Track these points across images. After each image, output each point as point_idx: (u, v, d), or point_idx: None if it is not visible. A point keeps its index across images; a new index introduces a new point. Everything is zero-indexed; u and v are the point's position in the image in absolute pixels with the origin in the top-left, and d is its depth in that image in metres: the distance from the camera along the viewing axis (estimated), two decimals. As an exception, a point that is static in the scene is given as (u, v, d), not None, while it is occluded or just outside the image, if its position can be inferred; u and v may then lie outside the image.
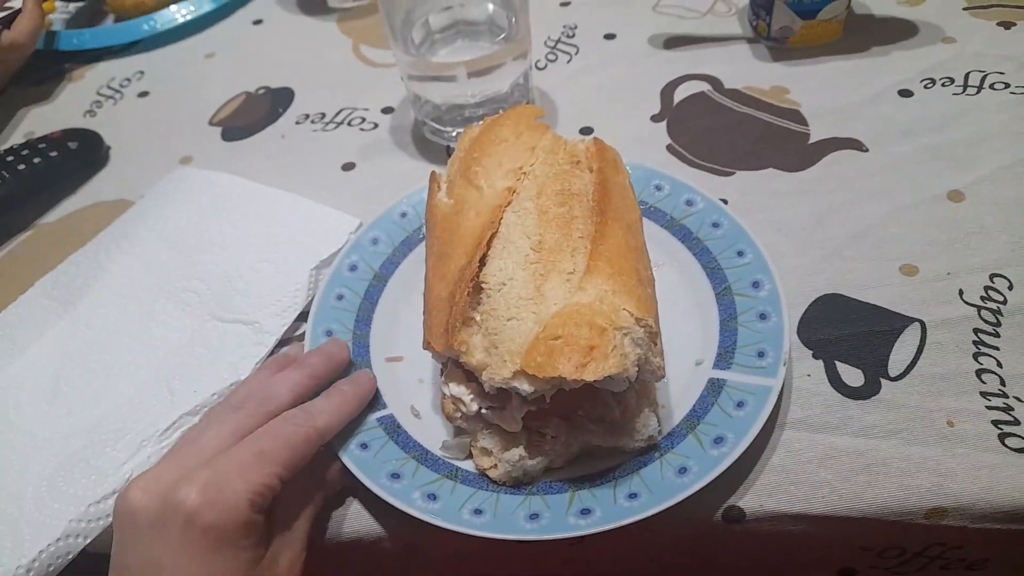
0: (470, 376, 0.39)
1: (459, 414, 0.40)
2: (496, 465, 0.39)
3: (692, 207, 0.49)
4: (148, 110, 0.68)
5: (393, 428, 0.42)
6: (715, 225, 0.47)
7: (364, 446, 0.41)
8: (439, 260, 0.42)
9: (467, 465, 0.41)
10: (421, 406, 0.44)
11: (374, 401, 0.43)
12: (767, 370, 0.40)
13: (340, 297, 0.48)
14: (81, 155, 0.63)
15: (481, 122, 0.48)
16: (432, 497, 0.39)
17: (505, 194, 0.43)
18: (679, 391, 0.42)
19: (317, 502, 0.39)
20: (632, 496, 0.37)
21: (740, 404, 0.39)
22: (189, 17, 0.75)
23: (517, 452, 0.39)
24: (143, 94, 0.70)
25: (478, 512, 0.38)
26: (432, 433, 0.42)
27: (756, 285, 0.44)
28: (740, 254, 0.46)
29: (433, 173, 0.47)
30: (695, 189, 0.49)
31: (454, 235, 0.42)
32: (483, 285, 0.39)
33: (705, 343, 0.43)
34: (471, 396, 0.39)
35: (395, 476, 0.40)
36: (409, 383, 0.45)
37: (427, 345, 0.40)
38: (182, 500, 0.33)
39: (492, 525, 0.37)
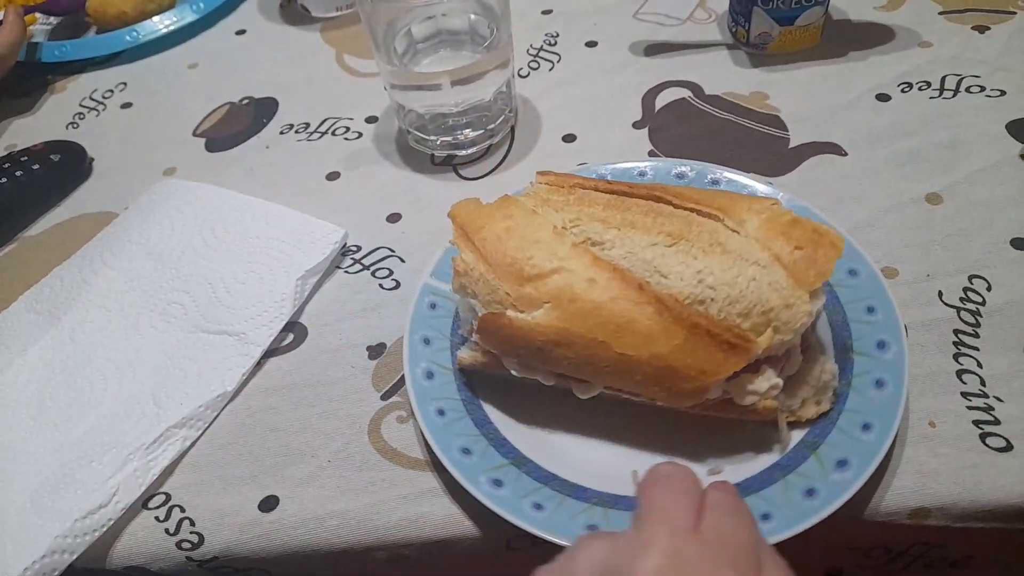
0: None
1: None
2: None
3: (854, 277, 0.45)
4: (131, 121, 0.68)
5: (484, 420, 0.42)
6: (852, 273, 0.45)
7: (441, 412, 0.42)
8: (618, 362, 0.37)
9: (537, 456, 0.40)
10: None
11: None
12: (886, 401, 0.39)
13: (433, 306, 0.46)
14: (64, 167, 0.62)
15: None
16: (497, 483, 0.39)
17: (581, 251, 0.39)
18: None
19: None
20: None
21: (866, 427, 0.38)
22: (172, 28, 0.75)
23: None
24: (126, 105, 0.70)
25: (538, 507, 0.38)
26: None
27: (882, 346, 0.41)
28: (871, 311, 0.43)
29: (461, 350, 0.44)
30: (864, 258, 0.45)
31: (604, 322, 0.37)
32: (684, 299, 0.37)
33: None
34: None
35: (466, 451, 0.40)
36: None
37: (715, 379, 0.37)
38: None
39: (548, 523, 0.37)
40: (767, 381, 0.38)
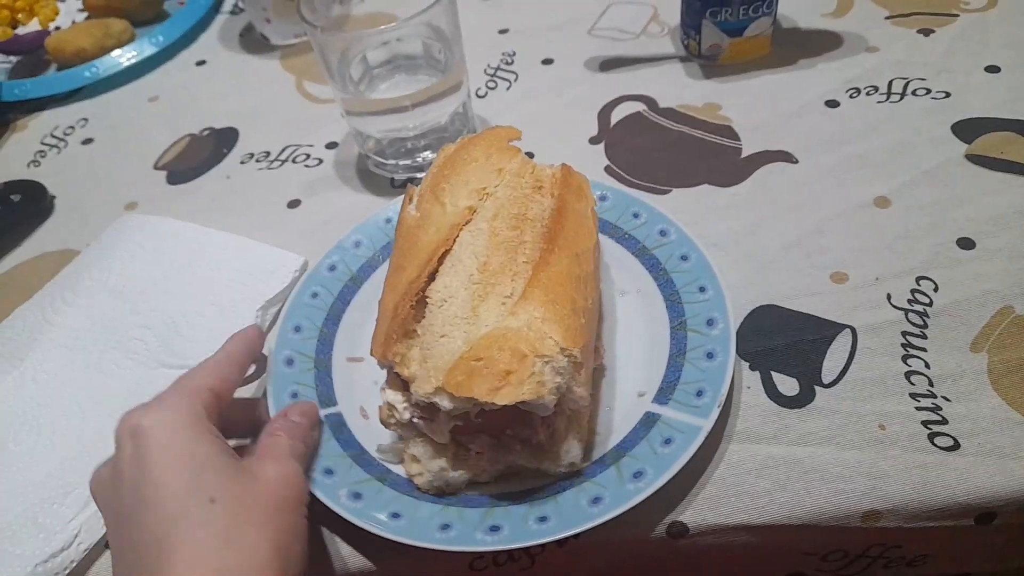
0: (406, 385, 0.39)
1: (393, 420, 0.41)
2: (422, 473, 0.40)
3: (665, 237, 0.49)
4: (93, 157, 0.68)
5: (338, 426, 0.44)
6: (684, 258, 0.47)
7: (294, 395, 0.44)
8: (395, 271, 0.43)
9: (399, 470, 0.42)
10: (371, 408, 0.44)
11: (326, 399, 0.45)
12: (701, 410, 0.40)
13: (315, 295, 0.50)
14: (24, 207, 0.62)
15: (458, 140, 0.49)
16: (356, 496, 0.40)
17: (465, 213, 0.44)
18: (619, 421, 0.42)
19: (302, 437, 0.40)
20: (542, 519, 0.38)
21: (668, 441, 0.40)
22: (132, 61, 0.75)
23: (439, 463, 0.40)
24: (87, 141, 0.70)
25: (395, 516, 0.39)
26: (376, 435, 0.43)
27: (711, 323, 0.44)
28: (702, 289, 0.46)
29: (408, 185, 0.48)
30: (671, 220, 0.49)
31: (412, 248, 0.43)
32: (427, 300, 0.41)
33: (651, 376, 0.43)
34: (404, 404, 0.40)
35: (328, 472, 0.41)
36: (365, 385, 0.46)
37: (372, 351, 0.41)
38: (124, 423, 0.36)
39: (404, 530, 0.38)
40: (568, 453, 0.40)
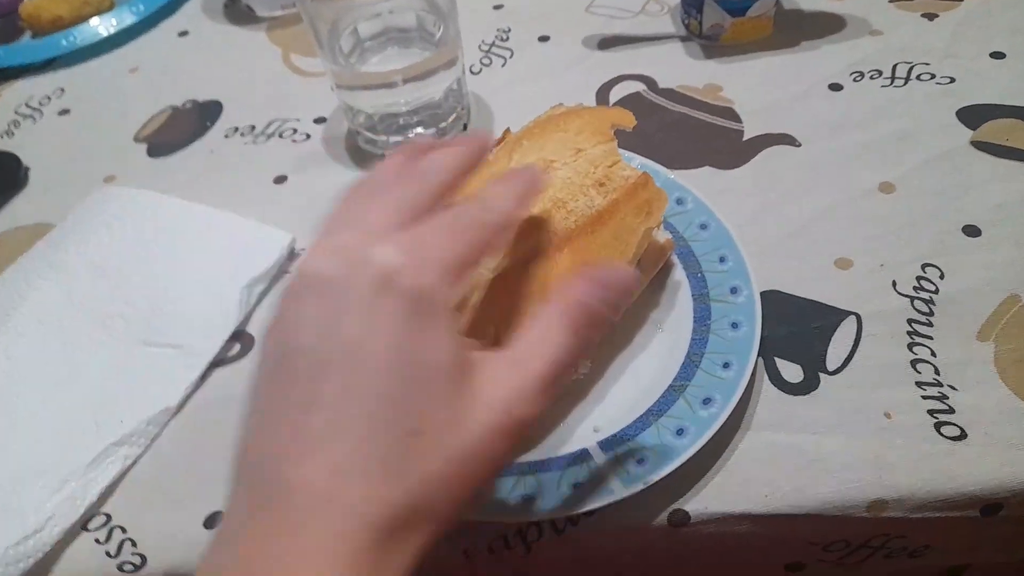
0: None
1: None
2: None
3: (682, 206, 0.48)
4: (69, 128, 0.66)
5: None
6: (703, 227, 0.47)
7: None
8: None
9: None
10: None
11: None
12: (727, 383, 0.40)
13: None
14: (-2, 178, 0.60)
15: (574, 105, 0.46)
16: None
17: None
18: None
19: (557, 341, 0.29)
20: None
21: (707, 401, 0.40)
22: (111, 31, 0.72)
23: None
24: (64, 112, 0.67)
25: None
26: None
27: (735, 291, 0.44)
28: (722, 260, 0.45)
29: (507, 129, 0.46)
30: (687, 188, 0.49)
31: (462, 189, 0.40)
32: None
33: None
34: None
35: None
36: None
37: None
38: (379, 260, 0.27)
39: None
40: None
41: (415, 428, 0.26)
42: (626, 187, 0.41)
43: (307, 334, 0.27)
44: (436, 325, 0.28)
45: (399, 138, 0.57)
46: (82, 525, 0.41)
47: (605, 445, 0.39)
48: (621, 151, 0.44)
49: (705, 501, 0.39)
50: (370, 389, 0.26)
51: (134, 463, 0.43)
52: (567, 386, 0.41)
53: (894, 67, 0.59)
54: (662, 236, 0.45)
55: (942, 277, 0.46)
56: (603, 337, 0.33)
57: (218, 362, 0.47)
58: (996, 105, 0.55)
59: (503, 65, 0.65)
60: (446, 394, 0.27)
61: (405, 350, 0.27)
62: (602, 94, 0.61)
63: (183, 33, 0.74)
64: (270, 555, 0.25)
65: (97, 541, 0.41)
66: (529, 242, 0.38)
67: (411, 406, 0.26)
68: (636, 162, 0.50)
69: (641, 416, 0.40)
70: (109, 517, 0.41)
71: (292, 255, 0.52)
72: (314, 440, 0.26)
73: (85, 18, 0.72)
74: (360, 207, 0.31)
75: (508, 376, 0.28)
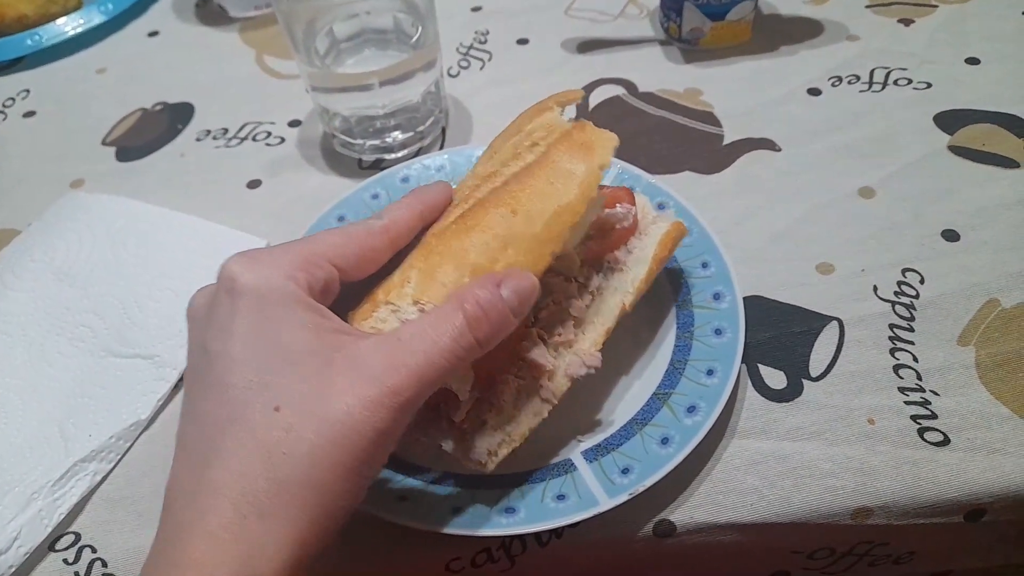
0: None
1: None
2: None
3: (664, 211, 0.47)
4: (35, 131, 0.64)
5: None
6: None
7: None
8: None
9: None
10: None
11: None
12: (711, 390, 0.40)
13: None
14: (-41, 182, 0.58)
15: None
16: None
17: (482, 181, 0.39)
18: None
19: (449, 332, 0.31)
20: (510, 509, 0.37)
21: (691, 409, 0.39)
22: (79, 30, 0.70)
23: None
24: (29, 114, 0.65)
25: (402, 499, 0.37)
26: None
27: (718, 297, 0.43)
28: (704, 265, 0.45)
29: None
30: (668, 192, 0.48)
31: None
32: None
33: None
34: None
35: None
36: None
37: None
38: (225, 271, 0.32)
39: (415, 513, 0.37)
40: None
41: (277, 404, 0.28)
42: (563, 135, 0.38)
43: (198, 333, 0.32)
44: (288, 311, 0.31)
45: (376, 141, 0.56)
46: (49, 545, 0.40)
47: (589, 455, 0.38)
48: None
49: (690, 511, 0.38)
50: (234, 379, 0.29)
51: (104, 479, 0.42)
52: (575, 385, 0.39)
53: (872, 72, 0.59)
54: (670, 219, 0.43)
55: (922, 282, 0.46)
56: (507, 336, 0.33)
57: (191, 373, 0.46)
58: (972, 110, 0.55)
59: (481, 68, 0.64)
60: (308, 371, 0.29)
61: (259, 339, 0.30)
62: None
63: (153, 33, 0.72)
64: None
65: (65, 561, 0.39)
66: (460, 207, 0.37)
67: (273, 387, 0.29)
68: (616, 167, 0.50)
69: (625, 425, 0.39)
70: (78, 536, 0.40)
71: (267, 262, 0.51)
72: (186, 440, 0.30)
73: (52, 17, 0.70)
74: None
75: (386, 352, 0.30)
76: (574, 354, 0.38)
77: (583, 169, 0.37)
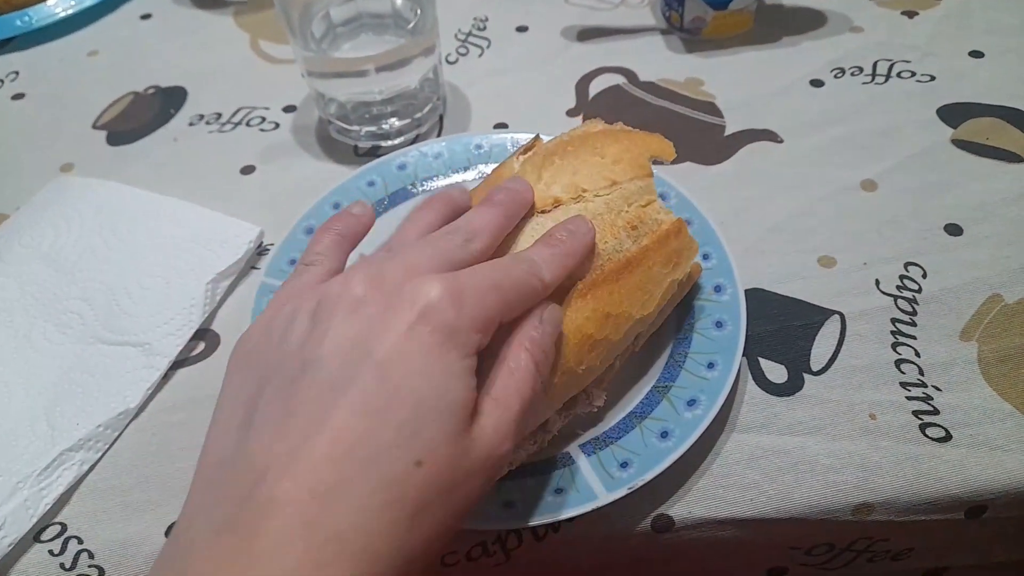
0: None
1: None
2: None
3: (665, 201, 0.46)
4: (24, 114, 0.62)
5: None
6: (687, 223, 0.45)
7: None
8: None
9: None
10: None
11: None
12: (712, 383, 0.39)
13: (293, 261, 0.46)
14: (-55, 165, 0.57)
15: (614, 125, 0.42)
16: None
17: (548, 201, 0.38)
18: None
19: (529, 381, 0.31)
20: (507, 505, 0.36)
21: (692, 402, 0.39)
22: (70, 12, 0.69)
23: None
24: (18, 96, 0.64)
25: None
26: None
27: (719, 289, 0.42)
28: (705, 257, 0.44)
29: (538, 136, 0.43)
30: (669, 183, 0.47)
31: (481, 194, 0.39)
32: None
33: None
34: None
35: None
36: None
37: None
38: (422, 291, 0.28)
39: None
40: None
41: (419, 459, 0.26)
42: (658, 234, 0.38)
43: (333, 349, 0.27)
44: (463, 363, 0.28)
45: (372, 128, 0.56)
46: (35, 536, 0.39)
47: (587, 448, 0.38)
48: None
49: (689, 506, 0.38)
50: (389, 414, 0.26)
51: (91, 469, 0.41)
52: (583, 417, 0.39)
53: (875, 64, 0.58)
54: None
55: (925, 276, 0.45)
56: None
57: (181, 362, 0.45)
58: (976, 104, 0.55)
59: (480, 55, 0.63)
60: (454, 431, 0.27)
61: (430, 381, 0.27)
62: (581, 87, 0.59)
63: (146, 16, 0.70)
64: None
65: (51, 552, 0.38)
66: None
67: (421, 438, 0.26)
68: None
69: (624, 418, 0.39)
70: (64, 527, 0.39)
71: (260, 249, 0.50)
72: (309, 458, 0.25)
73: (42, -2, 0.69)
74: (406, 249, 0.32)
75: (493, 417, 0.29)
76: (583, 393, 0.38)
77: (668, 281, 0.38)
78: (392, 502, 0.25)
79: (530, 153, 0.41)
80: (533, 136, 0.43)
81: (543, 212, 0.38)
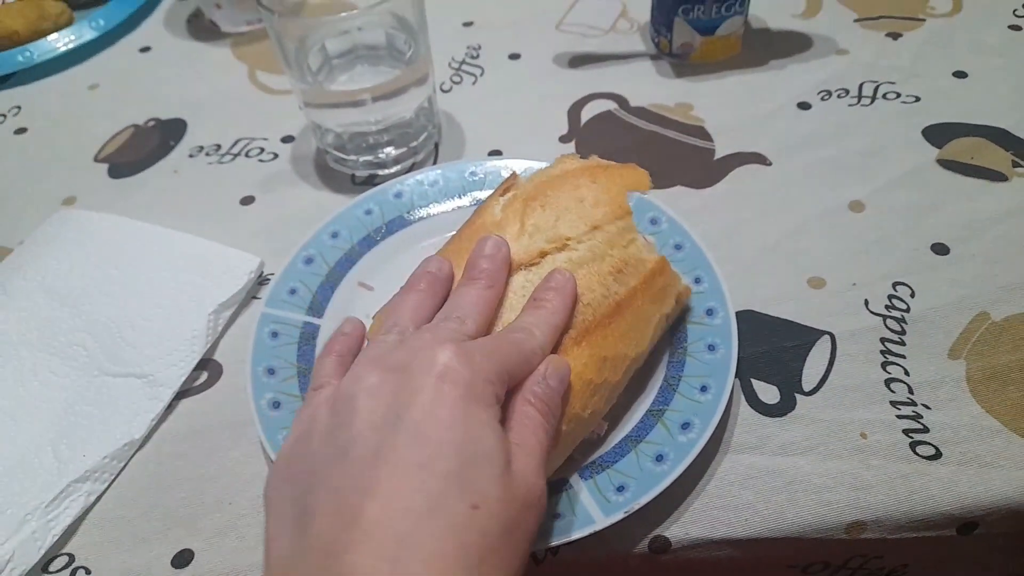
0: None
1: None
2: None
3: (656, 226, 0.48)
4: (26, 148, 0.63)
5: None
6: (677, 247, 0.47)
7: (276, 405, 0.42)
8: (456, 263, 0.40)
9: None
10: None
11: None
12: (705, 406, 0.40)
13: (293, 291, 0.47)
14: (-50, 200, 0.58)
15: (588, 159, 0.45)
16: None
17: (534, 255, 0.39)
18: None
19: (540, 431, 0.33)
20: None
21: (686, 425, 0.39)
22: (70, 46, 0.70)
23: None
24: (20, 131, 0.65)
25: None
26: None
27: (711, 312, 0.44)
28: (697, 280, 0.45)
29: (515, 174, 0.45)
30: (660, 207, 0.48)
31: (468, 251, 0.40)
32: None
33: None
34: None
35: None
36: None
37: None
38: (441, 356, 0.31)
39: None
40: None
41: (474, 503, 0.28)
42: (644, 275, 0.40)
43: (363, 426, 0.30)
44: (488, 413, 0.31)
45: (369, 157, 0.57)
46: (43, 567, 0.39)
47: (584, 472, 0.38)
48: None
49: (685, 527, 0.38)
50: (435, 466, 0.28)
51: (97, 500, 0.42)
52: (587, 443, 0.40)
53: (860, 86, 0.60)
54: (681, 284, 0.43)
55: (913, 295, 0.46)
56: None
57: (184, 392, 0.46)
58: (961, 124, 0.56)
59: (474, 83, 0.64)
60: (497, 474, 0.29)
61: (464, 431, 0.29)
62: (574, 113, 0.61)
63: (145, 49, 0.72)
64: None
65: (58, 583, 0.39)
66: None
67: (471, 483, 0.28)
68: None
69: (620, 442, 0.40)
70: (72, 557, 0.40)
71: (261, 279, 0.51)
72: (372, 525, 0.27)
73: (43, 33, 0.70)
74: (406, 340, 0.34)
75: (522, 459, 0.31)
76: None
77: (656, 318, 0.40)
78: (460, 548, 0.27)
79: (509, 195, 0.42)
80: (510, 174, 0.45)
81: (532, 266, 0.39)
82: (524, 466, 0.31)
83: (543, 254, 0.39)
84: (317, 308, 0.47)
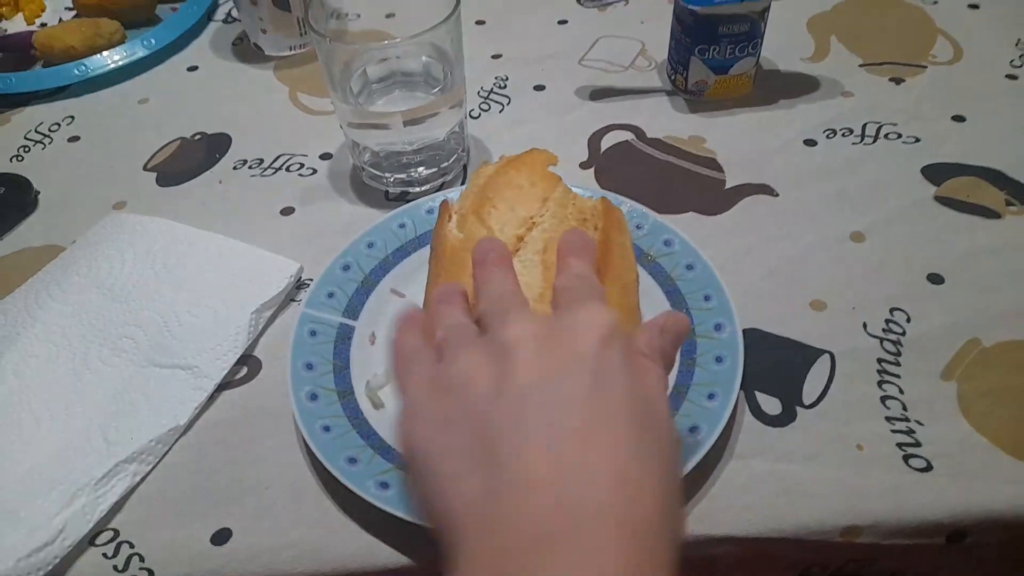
0: None
1: None
2: None
3: (669, 247, 0.52)
4: (79, 155, 0.67)
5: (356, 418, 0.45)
6: (689, 267, 0.50)
7: (314, 397, 0.45)
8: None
9: None
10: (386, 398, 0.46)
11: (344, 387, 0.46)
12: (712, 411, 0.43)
13: (331, 295, 0.51)
14: (9, 200, 0.61)
15: (497, 160, 0.50)
16: (384, 486, 0.41)
17: (514, 242, 0.45)
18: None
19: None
20: None
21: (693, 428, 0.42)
22: (121, 63, 0.75)
23: None
24: (73, 139, 0.69)
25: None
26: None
27: (719, 328, 0.47)
28: (707, 298, 0.48)
29: (445, 202, 0.49)
30: (674, 230, 0.52)
31: (463, 271, 0.42)
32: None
33: None
34: None
35: (352, 461, 0.42)
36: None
37: None
38: (593, 310, 0.33)
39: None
40: None
41: (672, 438, 0.31)
42: (602, 212, 0.47)
43: (535, 358, 0.31)
44: (644, 360, 0.33)
45: (402, 175, 0.60)
46: (90, 540, 0.42)
47: None
48: (609, 193, 0.53)
49: (689, 525, 0.41)
50: (622, 412, 0.30)
51: (143, 480, 0.45)
52: None
53: (864, 126, 0.63)
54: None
55: (909, 320, 0.49)
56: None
57: (225, 384, 0.49)
58: (958, 164, 0.59)
59: (501, 111, 0.69)
60: (667, 416, 0.32)
61: (632, 377, 0.31)
62: (593, 141, 0.64)
63: (192, 68, 0.76)
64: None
65: (104, 556, 0.42)
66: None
67: (653, 424, 0.31)
68: (627, 206, 0.54)
69: None
70: (117, 532, 0.43)
71: (299, 283, 0.54)
72: (597, 465, 0.28)
73: (97, 50, 0.75)
74: (506, 315, 0.34)
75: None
76: None
77: (629, 244, 0.48)
78: (666, 480, 0.29)
79: (456, 218, 0.47)
80: (440, 202, 0.50)
81: (517, 251, 0.45)
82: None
83: (520, 239, 0.45)
84: (352, 311, 0.50)
